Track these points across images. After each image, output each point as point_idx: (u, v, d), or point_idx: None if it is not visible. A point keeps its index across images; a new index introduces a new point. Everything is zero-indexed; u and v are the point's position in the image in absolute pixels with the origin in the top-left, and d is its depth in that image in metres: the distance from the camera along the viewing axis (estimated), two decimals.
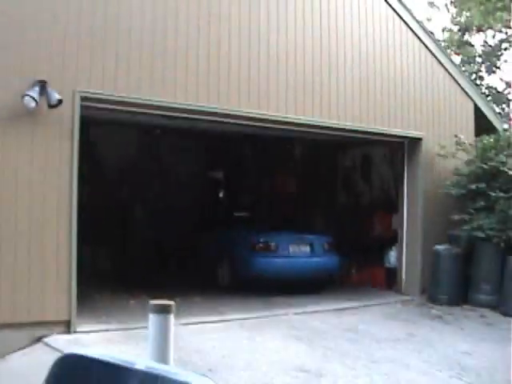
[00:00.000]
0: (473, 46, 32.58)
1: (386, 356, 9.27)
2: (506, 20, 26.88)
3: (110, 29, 9.67)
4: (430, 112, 14.09)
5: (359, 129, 13.06)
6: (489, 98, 31.95)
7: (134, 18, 9.91)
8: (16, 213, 8.84)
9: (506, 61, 33.06)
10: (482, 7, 25.52)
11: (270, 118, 11.62)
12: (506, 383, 7.97)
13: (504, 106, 34.22)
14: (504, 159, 13.41)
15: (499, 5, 25.07)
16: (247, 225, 14.96)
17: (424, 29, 14.57)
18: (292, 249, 13.97)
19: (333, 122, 12.54)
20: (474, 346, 10.06)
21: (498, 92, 33.87)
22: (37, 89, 8.80)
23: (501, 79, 33.99)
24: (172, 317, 5.09)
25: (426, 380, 8.25)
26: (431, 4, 29.62)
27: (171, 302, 5.17)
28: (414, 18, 14.05)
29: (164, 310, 5.05)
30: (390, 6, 13.56)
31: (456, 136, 13.98)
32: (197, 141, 17.87)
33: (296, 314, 11.80)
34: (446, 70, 14.55)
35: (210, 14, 10.76)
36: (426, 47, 14.19)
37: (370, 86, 13.12)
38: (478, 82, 32.72)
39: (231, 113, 11.07)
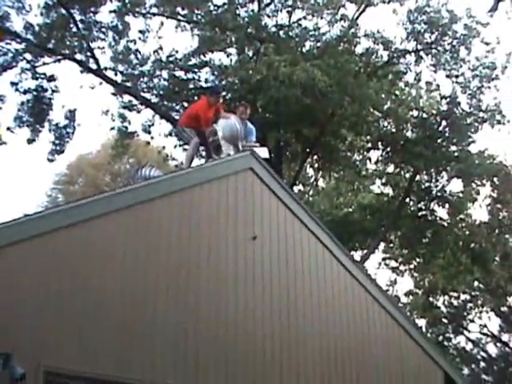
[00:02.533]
0: (438, 308, 33.15)
1: None
2: (469, 281, 27.65)
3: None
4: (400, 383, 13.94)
5: None
6: (457, 360, 31.98)
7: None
8: None
9: (471, 320, 33.56)
10: (445, 271, 26.34)
11: None
12: None
13: (473, 365, 34.22)
14: None
15: (461, 268, 25.92)
16: None
17: (390, 299, 14.83)
18: None
19: None
20: None
21: (466, 352, 34.00)
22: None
23: (468, 339, 34.15)
24: None
25: None
26: (394, 269, 30.45)
27: None
28: (377, 286, 14.34)
29: None
30: (362, 285, 13.86)
31: None
32: None
33: None
34: (416, 341, 14.61)
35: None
36: (395, 319, 14.35)
37: (339, 368, 12.99)
38: (446, 343, 32.93)
39: None
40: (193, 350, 10.61)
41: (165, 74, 24.33)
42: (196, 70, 24.13)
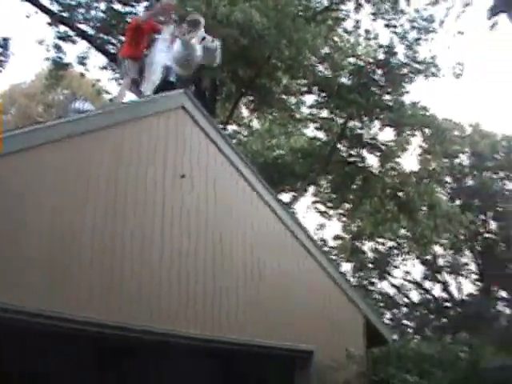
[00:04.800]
0: (364, 253, 33.86)
1: None
2: (396, 229, 28.23)
3: None
4: (320, 324, 14.20)
5: (245, 342, 13.00)
6: (381, 304, 32.85)
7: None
8: None
9: (396, 267, 34.39)
10: (372, 218, 26.84)
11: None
12: None
13: (395, 310, 35.19)
14: (393, 371, 13.58)
15: (388, 216, 26.45)
16: None
17: (313, 241, 15.10)
18: None
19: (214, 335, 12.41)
20: None
21: (390, 297, 34.91)
22: None
23: (392, 285, 35.06)
24: None
25: None
26: (323, 214, 30.89)
27: None
28: (300, 226, 14.60)
29: None
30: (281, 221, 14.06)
31: (347, 349, 14.12)
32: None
33: None
34: (336, 281, 14.94)
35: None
36: (319, 262, 14.65)
37: (259, 299, 13.23)
38: (370, 288, 33.75)
39: None
40: (117, 287, 10.72)
41: (102, 5, 23.93)
42: (134, 3, 23.75)
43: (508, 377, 13.11)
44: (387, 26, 24.65)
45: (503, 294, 33.90)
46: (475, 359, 13.75)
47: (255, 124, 30.50)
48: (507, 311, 33.51)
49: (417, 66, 24.54)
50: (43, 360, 14.77)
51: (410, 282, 35.61)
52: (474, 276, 34.09)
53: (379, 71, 24.69)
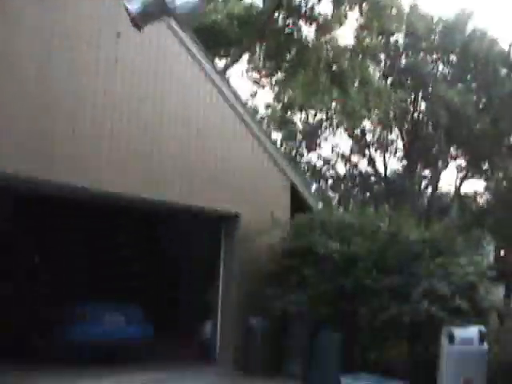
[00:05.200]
0: (294, 123, 34.08)
1: None
2: (327, 101, 28.34)
3: None
4: (247, 189, 14.58)
5: (174, 203, 13.32)
6: (308, 175, 33.41)
7: None
8: None
9: (325, 139, 34.79)
10: (304, 89, 26.85)
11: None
12: None
13: (322, 182, 35.85)
14: (317, 238, 14.06)
15: (321, 87, 26.51)
16: (63, 293, 14.68)
17: (242, 103, 15.20)
18: (107, 318, 13.90)
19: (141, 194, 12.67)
20: None
21: (317, 169, 35.47)
22: None
23: (319, 156, 35.57)
24: None
25: None
26: (256, 82, 30.79)
27: None
28: (233, 92, 14.66)
29: None
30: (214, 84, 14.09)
31: (272, 213, 14.51)
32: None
33: None
34: (266, 148, 15.20)
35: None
36: (247, 125, 14.81)
37: (186, 161, 13.42)
38: (298, 158, 34.19)
39: None
40: (47, 146, 10.75)
41: None
42: None
43: (423, 249, 13.73)
44: None
45: (426, 172, 34.77)
46: (395, 231, 14.27)
47: None
48: (429, 189, 34.54)
49: None
50: None
51: (337, 154, 36.09)
52: (400, 153, 34.74)
53: None
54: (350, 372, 12.69)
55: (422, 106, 33.21)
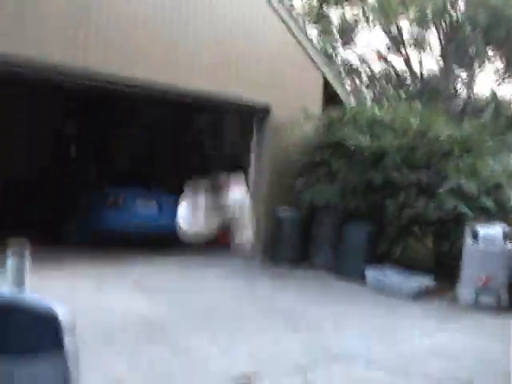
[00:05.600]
0: (330, 19, 33.60)
1: (225, 307, 10.12)
2: None
3: None
4: (279, 81, 14.62)
5: (208, 93, 13.45)
6: (343, 72, 33.16)
7: None
8: None
9: (361, 36, 34.33)
10: None
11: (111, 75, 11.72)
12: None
13: (357, 80, 35.59)
14: (348, 132, 14.16)
15: None
16: (97, 179, 14.95)
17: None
18: (140, 205, 14.24)
19: (178, 85, 12.84)
20: (304, 305, 10.88)
21: (352, 66, 35.14)
22: None
23: (355, 54, 35.18)
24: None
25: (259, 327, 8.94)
26: None
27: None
28: None
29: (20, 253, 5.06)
30: None
31: (304, 107, 14.58)
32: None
33: (143, 269, 12.27)
34: (300, 41, 15.14)
35: None
36: (286, 25, 14.73)
37: (224, 52, 13.49)
38: (333, 55, 33.85)
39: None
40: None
41: None
42: None
43: (453, 147, 13.81)
44: None
45: (462, 74, 34.31)
46: (425, 128, 14.30)
47: None
48: (464, 92, 34.14)
49: None
50: None
51: (372, 53, 35.62)
52: (437, 54, 34.20)
53: None
54: (375, 264, 13.07)
55: (461, 5, 32.51)
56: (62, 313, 2.35)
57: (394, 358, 8.29)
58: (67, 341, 2.34)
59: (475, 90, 33.98)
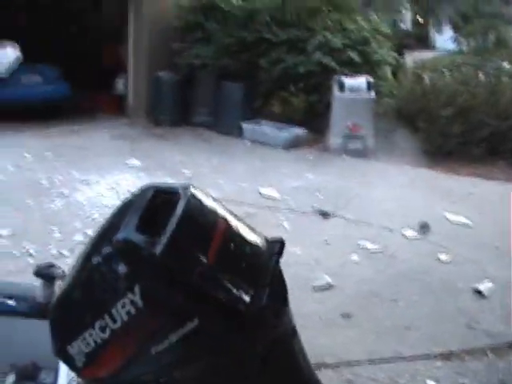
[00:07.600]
0: None
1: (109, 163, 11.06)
2: None
3: None
4: None
5: None
6: None
7: None
8: None
9: None
10: None
11: None
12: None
13: None
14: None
15: None
16: None
17: None
18: (24, 79, 14.49)
19: None
20: (187, 156, 11.79)
21: None
22: None
23: None
24: None
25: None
26: None
27: None
28: None
29: None
30: None
31: None
32: None
33: (31, 136, 12.86)
34: None
35: None
36: None
37: None
38: None
39: None
40: None
41: None
42: None
43: (321, 4, 14.51)
44: None
45: None
46: None
47: None
48: None
49: None
50: None
51: None
52: None
53: None
54: (252, 119, 13.95)
55: None
56: None
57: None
58: None
59: None
